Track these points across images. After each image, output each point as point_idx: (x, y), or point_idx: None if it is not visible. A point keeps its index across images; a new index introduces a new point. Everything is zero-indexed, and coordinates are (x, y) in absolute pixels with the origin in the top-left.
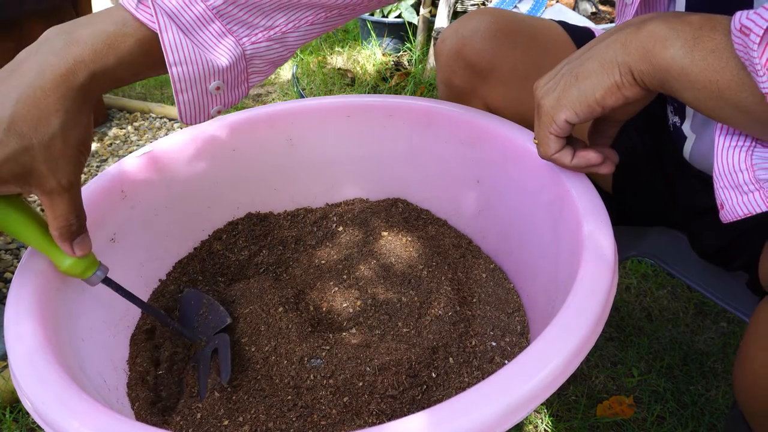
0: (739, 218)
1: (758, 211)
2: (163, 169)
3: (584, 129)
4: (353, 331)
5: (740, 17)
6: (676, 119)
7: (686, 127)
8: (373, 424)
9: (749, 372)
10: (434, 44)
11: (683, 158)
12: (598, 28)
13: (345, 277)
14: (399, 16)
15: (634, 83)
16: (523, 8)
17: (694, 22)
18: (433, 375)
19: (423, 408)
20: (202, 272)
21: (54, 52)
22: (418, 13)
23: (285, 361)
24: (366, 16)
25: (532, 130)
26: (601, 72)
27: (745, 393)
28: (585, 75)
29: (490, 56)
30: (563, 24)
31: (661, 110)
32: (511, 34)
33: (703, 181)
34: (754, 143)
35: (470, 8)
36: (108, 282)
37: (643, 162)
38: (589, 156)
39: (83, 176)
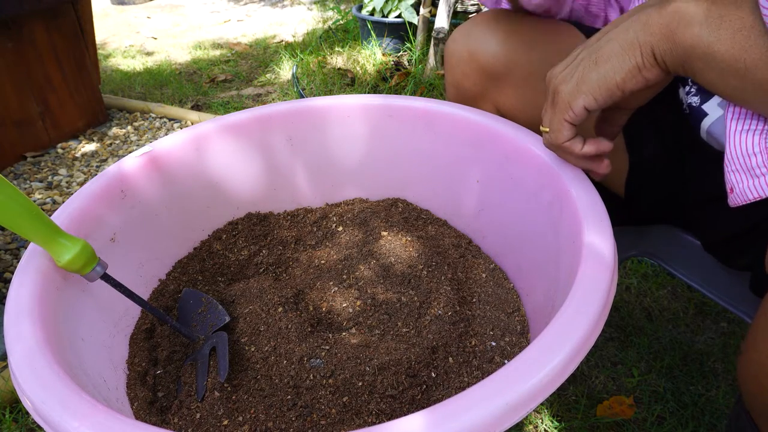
0: (748, 202)
1: (767, 195)
2: (163, 169)
3: (589, 124)
4: (353, 331)
5: None
6: (695, 99)
7: (711, 104)
8: (373, 423)
9: (756, 362)
10: (434, 44)
11: (700, 141)
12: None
13: (345, 277)
14: (399, 16)
15: (655, 64)
16: None
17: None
18: (433, 375)
19: (423, 408)
20: (202, 272)
21: None
22: (418, 13)
23: (284, 361)
24: (366, 15)
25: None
26: (621, 54)
27: (751, 384)
28: (605, 58)
29: (505, 59)
30: (579, 26)
31: (673, 98)
32: (526, 36)
33: (720, 163)
34: (767, 126)
35: (470, 8)
36: (107, 278)
37: (659, 154)
38: (601, 142)
39: (83, 176)
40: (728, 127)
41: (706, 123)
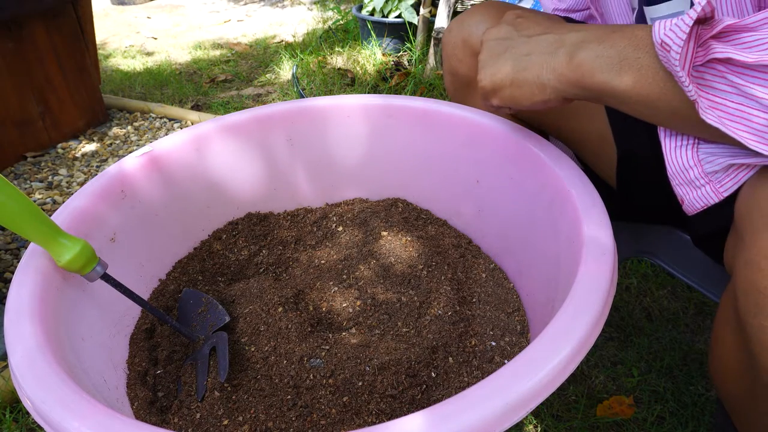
0: (698, 211)
1: (712, 203)
2: (163, 169)
3: None
4: (353, 330)
5: (660, 31)
6: None
7: None
8: (373, 423)
9: (720, 355)
10: (434, 44)
11: None
12: None
13: (345, 277)
14: (399, 16)
15: (563, 100)
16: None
17: (618, 43)
18: (433, 375)
19: (423, 408)
20: (202, 272)
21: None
22: (418, 13)
23: (285, 361)
24: (366, 16)
25: (539, 119)
26: (532, 87)
27: (719, 376)
28: (519, 83)
29: None
30: (569, 20)
31: None
32: None
33: None
34: (697, 140)
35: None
36: (107, 278)
37: (646, 146)
38: None
39: (83, 176)
40: (664, 145)
41: None
